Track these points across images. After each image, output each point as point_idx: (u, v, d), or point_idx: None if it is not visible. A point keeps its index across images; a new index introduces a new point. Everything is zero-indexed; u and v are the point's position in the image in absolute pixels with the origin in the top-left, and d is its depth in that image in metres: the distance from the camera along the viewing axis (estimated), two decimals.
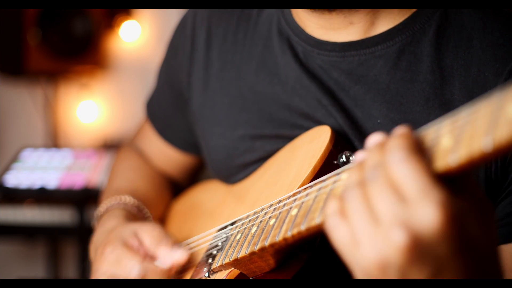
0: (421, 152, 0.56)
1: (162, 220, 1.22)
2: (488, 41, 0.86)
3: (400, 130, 0.58)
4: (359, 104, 0.91)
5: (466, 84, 0.86)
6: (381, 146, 0.59)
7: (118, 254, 0.91)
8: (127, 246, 0.93)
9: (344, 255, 0.59)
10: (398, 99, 0.89)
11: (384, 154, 0.58)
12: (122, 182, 1.22)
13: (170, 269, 0.91)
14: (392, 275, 0.57)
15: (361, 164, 0.60)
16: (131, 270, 0.89)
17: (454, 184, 0.57)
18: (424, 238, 0.54)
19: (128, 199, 1.12)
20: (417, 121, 0.87)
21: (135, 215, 1.10)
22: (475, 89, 0.85)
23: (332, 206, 0.60)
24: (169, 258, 0.91)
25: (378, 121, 0.89)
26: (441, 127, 0.56)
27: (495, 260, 0.60)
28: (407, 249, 0.54)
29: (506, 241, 0.85)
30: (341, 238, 0.59)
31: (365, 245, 0.57)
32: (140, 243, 0.94)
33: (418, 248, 0.55)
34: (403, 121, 0.88)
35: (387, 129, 0.87)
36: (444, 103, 0.87)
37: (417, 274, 0.56)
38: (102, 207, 1.12)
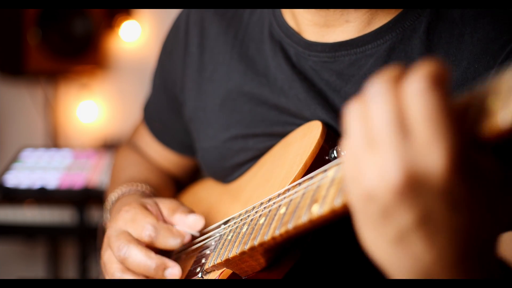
0: (446, 88, 0.48)
1: None
2: (479, 35, 0.85)
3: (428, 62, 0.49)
4: None
5: (456, 79, 0.85)
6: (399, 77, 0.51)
7: (135, 213, 0.91)
8: (145, 208, 0.93)
9: (345, 178, 0.53)
10: None
11: (401, 83, 0.50)
12: (133, 174, 1.22)
13: (183, 235, 0.90)
14: (371, 211, 0.50)
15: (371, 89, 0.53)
16: (144, 228, 0.88)
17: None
18: (420, 183, 0.47)
19: (145, 187, 1.12)
20: None
21: None
22: (465, 82, 0.84)
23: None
24: (183, 223, 0.91)
25: None
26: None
27: (492, 246, 0.54)
28: (397, 188, 0.48)
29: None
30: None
31: (364, 171, 0.50)
32: (160, 212, 0.94)
33: (410, 192, 0.48)
34: None
35: None
36: None
37: (398, 219, 0.50)
38: (117, 192, 1.11)
